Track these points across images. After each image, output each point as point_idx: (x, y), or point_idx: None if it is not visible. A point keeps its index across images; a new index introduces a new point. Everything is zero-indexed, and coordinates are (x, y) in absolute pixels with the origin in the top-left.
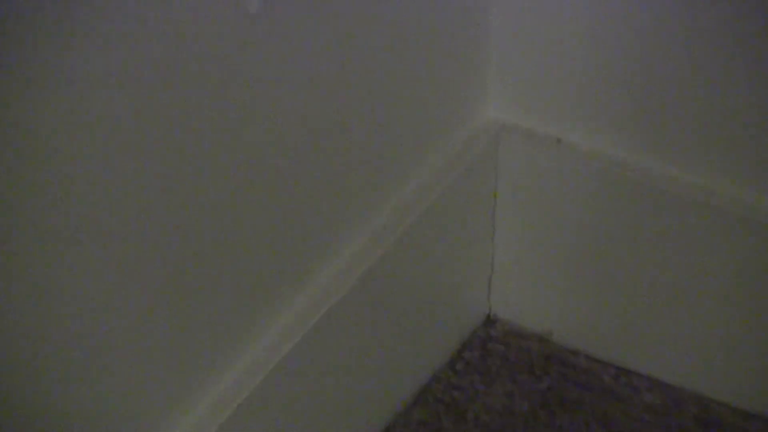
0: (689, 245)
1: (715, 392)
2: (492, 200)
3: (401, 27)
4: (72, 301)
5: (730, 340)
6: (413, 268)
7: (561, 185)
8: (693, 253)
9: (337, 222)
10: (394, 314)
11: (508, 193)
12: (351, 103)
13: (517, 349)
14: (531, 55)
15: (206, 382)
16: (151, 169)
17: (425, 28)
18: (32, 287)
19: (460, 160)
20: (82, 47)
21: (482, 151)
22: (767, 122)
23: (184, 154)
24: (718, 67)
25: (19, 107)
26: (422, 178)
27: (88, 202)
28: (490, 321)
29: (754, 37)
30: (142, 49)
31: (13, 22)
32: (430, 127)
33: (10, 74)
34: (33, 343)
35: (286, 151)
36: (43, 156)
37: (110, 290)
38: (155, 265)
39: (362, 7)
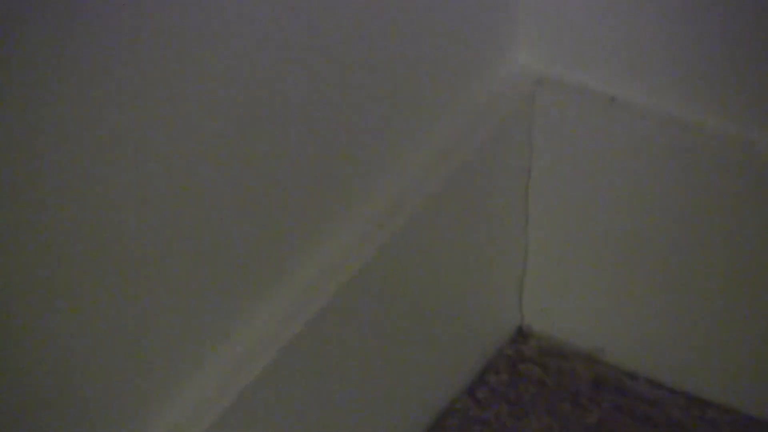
0: None
1: None
2: (524, 176)
3: None
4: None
5: None
6: (420, 266)
7: (615, 157)
8: None
9: (324, 205)
10: (396, 325)
11: (546, 168)
12: (345, 51)
13: (557, 371)
14: None
15: (166, 406)
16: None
17: None
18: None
19: (480, 126)
20: None
21: (511, 113)
22: None
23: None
24: None
25: None
26: (433, 149)
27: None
28: (522, 335)
29: None
30: None
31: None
32: (440, 81)
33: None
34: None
35: (270, 109)
36: None
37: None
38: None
39: None
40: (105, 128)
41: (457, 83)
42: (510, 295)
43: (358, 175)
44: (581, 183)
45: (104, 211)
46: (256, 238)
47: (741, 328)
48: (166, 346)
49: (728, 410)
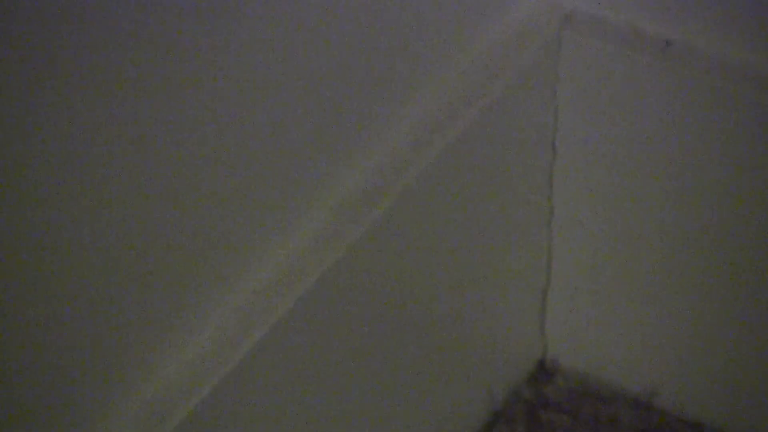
0: None
1: None
2: (548, 151)
3: None
4: None
5: None
6: (405, 272)
7: (669, 121)
8: None
9: (291, 186)
10: (374, 353)
11: (578, 138)
12: None
13: (593, 418)
14: None
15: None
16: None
17: None
18: None
19: (492, 78)
20: None
21: (532, 60)
22: None
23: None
24: None
25: None
26: (430, 108)
27: None
28: (544, 371)
29: None
30: None
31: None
32: (444, 22)
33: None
34: None
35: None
36: None
37: None
38: None
39: None
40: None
41: (464, 27)
42: (528, 318)
43: (363, 127)
44: (629, 161)
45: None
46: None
47: None
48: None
49: None
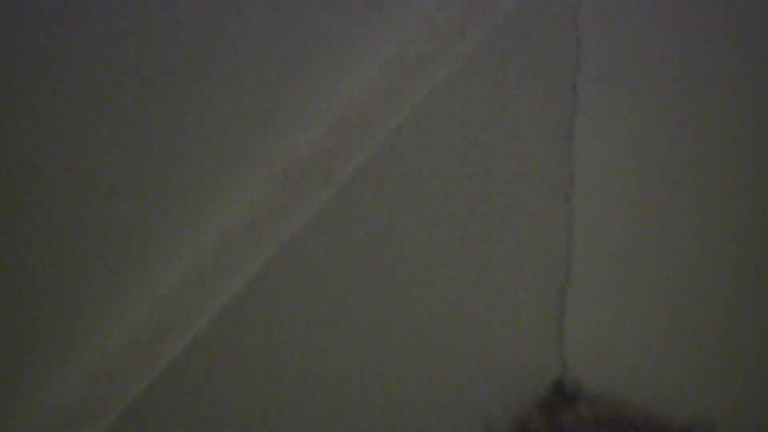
0: None
1: None
2: (567, 118)
3: None
4: None
5: None
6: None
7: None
8: None
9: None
10: (334, 375)
11: (604, 99)
12: None
13: None
14: None
15: None
16: None
17: None
18: None
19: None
20: None
21: None
22: None
23: None
24: None
25: None
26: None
27: None
28: (563, 395)
29: None
30: None
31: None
32: None
33: None
34: None
35: None
36: None
37: None
38: None
39: None
40: None
41: None
42: (542, 321)
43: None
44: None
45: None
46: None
47: None
48: None
49: None
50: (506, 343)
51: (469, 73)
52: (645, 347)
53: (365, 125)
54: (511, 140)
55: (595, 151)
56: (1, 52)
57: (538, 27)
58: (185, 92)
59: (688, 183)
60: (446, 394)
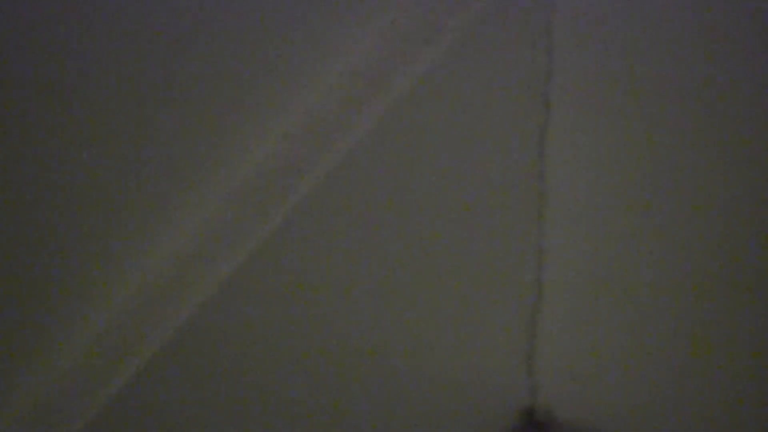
0: None
1: None
2: (540, 110)
3: None
4: None
5: None
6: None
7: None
8: None
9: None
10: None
11: (577, 88)
12: None
13: None
14: None
15: None
16: None
17: None
18: None
19: None
20: None
21: None
22: None
23: None
24: None
25: None
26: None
27: None
28: (534, 424)
29: None
30: None
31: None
32: None
33: None
34: None
35: None
36: None
37: None
38: None
39: None
40: None
41: None
42: (511, 343)
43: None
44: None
45: None
46: None
47: None
48: None
49: None
50: (473, 371)
51: (433, 86)
52: (621, 372)
53: (325, 139)
54: (478, 155)
55: (568, 168)
56: None
57: (508, 36)
58: (139, 110)
59: (663, 203)
60: (408, 428)
